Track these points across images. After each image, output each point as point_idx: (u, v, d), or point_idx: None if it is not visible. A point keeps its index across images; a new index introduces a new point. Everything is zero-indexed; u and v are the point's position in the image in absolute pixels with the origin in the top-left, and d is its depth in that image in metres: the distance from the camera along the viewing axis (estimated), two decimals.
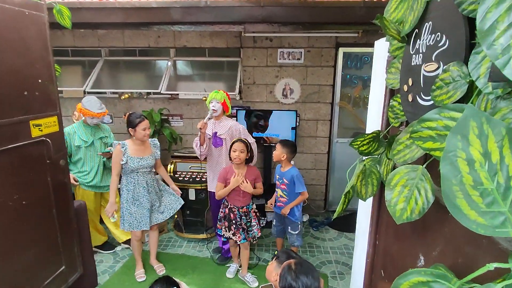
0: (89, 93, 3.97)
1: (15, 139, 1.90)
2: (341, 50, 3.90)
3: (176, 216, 3.68)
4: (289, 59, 3.90)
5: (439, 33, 0.77)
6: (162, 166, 2.97)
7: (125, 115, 2.97)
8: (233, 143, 2.71)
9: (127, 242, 3.39)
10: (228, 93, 3.83)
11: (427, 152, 0.61)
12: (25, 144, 1.97)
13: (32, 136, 2.03)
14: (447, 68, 0.69)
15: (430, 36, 0.81)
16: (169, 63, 4.13)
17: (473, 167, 0.37)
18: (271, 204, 3.00)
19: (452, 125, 0.53)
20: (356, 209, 1.93)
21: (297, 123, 3.89)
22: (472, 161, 0.37)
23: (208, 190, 3.16)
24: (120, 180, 2.80)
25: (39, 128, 2.11)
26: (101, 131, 3.12)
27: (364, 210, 1.50)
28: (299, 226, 2.92)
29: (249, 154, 2.70)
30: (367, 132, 1.49)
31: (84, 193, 3.09)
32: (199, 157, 3.02)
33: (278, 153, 2.80)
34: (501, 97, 0.53)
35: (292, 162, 2.93)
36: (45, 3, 2.12)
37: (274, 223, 3.07)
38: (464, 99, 0.65)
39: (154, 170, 2.95)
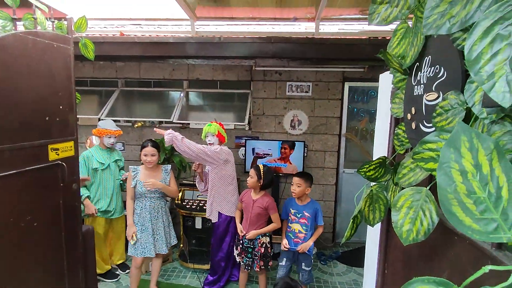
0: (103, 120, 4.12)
1: (34, 162, 1.98)
2: (347, 85, 4.03)
3: (181, 245, 3.64)
4: (298, 92, 4.03)
5: (437, 65, 0.83)
6: (173, 187, 2.89)
7: None
8: None
9: (120, 265, 3.48)
10: (238, 123, 3.95)
11: (429, 172, 0.65)
12: (42, 167, 2.04)
13: (50, 160, 2.11)
14: (446, 96, 0.74)
15: (429, 68, 0.87)
16: (182, 94, 4.30)
17: (466, 177, 0.40)
18: (286, 244, 2.75)
19: None
20: (365, 241, 1.91)
21: (305, 154, 3.93)
22: (465, 172, 0.41)
23: (212, 220, 3.13)
24: None
25: (56, 152, 2.20)
26: (116, 154, 3.26)
27: (373, 238, 1.49)
28: (312, 260, 2.81)
29: (261, 181, 2.75)
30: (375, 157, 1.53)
31: (95, 220, 3.12)
32: (200, 192, 3.22)
33: (302, 188, 2.68)
34: (495, 122, 0.57)
35: None
36: (72, 37, 2.31)
37: (283, 263, 2.79)
38: None
39: (167, 198, 2.99)
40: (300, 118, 4.06)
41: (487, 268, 0.35)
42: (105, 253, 3.32)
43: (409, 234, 0.73)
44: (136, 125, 4.13)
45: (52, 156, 2.15)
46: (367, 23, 3.28)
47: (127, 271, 3.43)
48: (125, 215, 3.38)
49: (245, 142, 3.96)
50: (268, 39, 3.07)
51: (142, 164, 2.82)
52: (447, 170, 0.41)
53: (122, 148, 4.27)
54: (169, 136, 2.71)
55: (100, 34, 3.39)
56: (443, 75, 0.80)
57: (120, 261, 3.49)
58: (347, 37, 3.14)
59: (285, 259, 2.80)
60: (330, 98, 4.00)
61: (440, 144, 0.60)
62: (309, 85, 3.99)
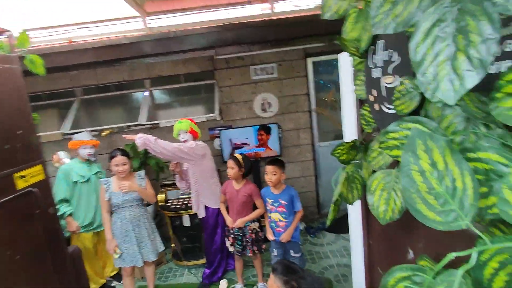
0: (67, 134, 3.94)
1: (1, 194, 1.88)
2: (310, 60, 4.06)
3: (173, 245, 3.65)
4: (263, 75, 4.02)
5: (391, 50, 0.87)
6: (150, 191, 2.84)
7: None
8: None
9: (114, 276, 3.45)
10: (208, 115, 3.91)
11: (396, 159, 0.70)
12: (11, 198, 1.95)
13: (18, 189, 2.01)
14: (402, 81, 0.78)
15: (384, 52, 0.91)
16: (146, 94, 4.16)
17: (425, 176, 0.44)
18: (272, 236, 2.76)
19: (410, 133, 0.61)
20: (347, 209, 2.00)
21: (280, 135, 3.99)
22: (424, 172, 0.44)
23: (199, 216, 3.15)
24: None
25: (24, 180, 2.10)
26: (96, 166, 3.18)
27: (354, 212, 1.58)
28: (300, 246, 2.77)
29: (242, 169, 2.78)
30: (345, 139, 1.59)
31: (80, 235, 3.06)
32: (183, 191, 3.24)
33: (278, 175, 2.62)
34: (447, 105, 0.61)
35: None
36: (17, 54, 2.15)
37: (275, 253, 2.82)
38: (421, 107, 0.74)
39: (146, 204, 2.94)
40: (269, 101, 4.08)
41: (452, 256, 0.40)
42: (98, 267, 3.27)
43: (385, 214, 0.79)
44: (104, 134, 3.98)
45: (20, 184, 2.05)
46: None
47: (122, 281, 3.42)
48: None
49: (220, 132, 3.95)
50: (226, 27, 3.01)
51: (114, 175, 2.74)
52: (408, 172, 0.45)
53: (94, 158, 4.12)
54: (141, 140, 2.64)
55: (46, 45, 3.18)
56: (397, 59, 0.84)
57: (114, 272, 3.45)
58: (304, 14, 3.14)
59: (275, 250, 2.82)
60: (295, 76, 4.03)
61: (401, 133, 0.64)
62: (273, 66, 3.99)
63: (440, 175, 0.43)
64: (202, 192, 3.03)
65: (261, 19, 3.12)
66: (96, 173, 3.14)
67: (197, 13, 3.38)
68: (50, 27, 3.23)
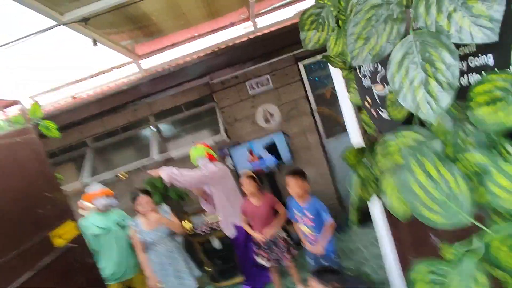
0: (87, 183, 4.09)
1: (41, 259, 1.98)
2: (301, 64, 4.15)
3: (209, 269, 3.72)
4: (259, 87, 4.12)
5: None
6: (176, 221, 2.94)
7: None
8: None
9: None
10: (215, 136, 4.02)
11: (397, 163, 0.77)
12: (54, 258, 2.06)
13: (57, 247, 2.13)
14: (390, 90, 0.86)
15: (369, 63, 0.99)
16: (153, 129, 4.31)
17: (423, 187, 0.52)
18: (308, 245, 2.67)
19: (406, 141, 0.69)
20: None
21: (287, 141, 4.07)
22: (421, 183, 0.52)
23: (229, 235, 3.23)
24: None
25: (61, 238, 2.21)
26: (115, 215, 3.06)
27: (375, 207, 1.64)
28: (336, 261, 2.63)
29: (259, 184, 2.89)
30: (351, 140, 1.66)
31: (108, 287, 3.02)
32: (210, 213, 3.30)
33: (302, 188, 2.54)
34: None
35: None
36: (31, 124, 2.29)
37: (310, 261, 2.79)
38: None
39: (175, 235, 3.03)
40: (270, 111, 4.17)
41: (463, 250, 0.47)
42: None
43: (404, 212, 0.86)
44: (122, 175, 4.12)
45: (58, 242, 2.16)
46: (299, 4, 3.40)
47: None
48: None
49: (229, 151, 4.04)
50: (215, 53, 3.14)
51: (137, 215, 2.84)
52: (409, 188, 0.53)
53: (116, 204, 4.24)
54: (166, 174, 2.75)
55: (52, 106, 3.35)
56: (381, 70, 0.92)
57: None
58: (286, 24, 3.25)
59: (308, 258, 2.79)
60: (290, 82, 4.12)
61: (399, 141, 0.71)
62: (267, 77, 4.09)
63: (436, 183, 0.51)
64: (229, 211, 3.11)
65: (247, 38, 3.24)
66: (117, 223, 2.99)
67: (186, 44, 3.52)
68: (53, 89, 3.40)
